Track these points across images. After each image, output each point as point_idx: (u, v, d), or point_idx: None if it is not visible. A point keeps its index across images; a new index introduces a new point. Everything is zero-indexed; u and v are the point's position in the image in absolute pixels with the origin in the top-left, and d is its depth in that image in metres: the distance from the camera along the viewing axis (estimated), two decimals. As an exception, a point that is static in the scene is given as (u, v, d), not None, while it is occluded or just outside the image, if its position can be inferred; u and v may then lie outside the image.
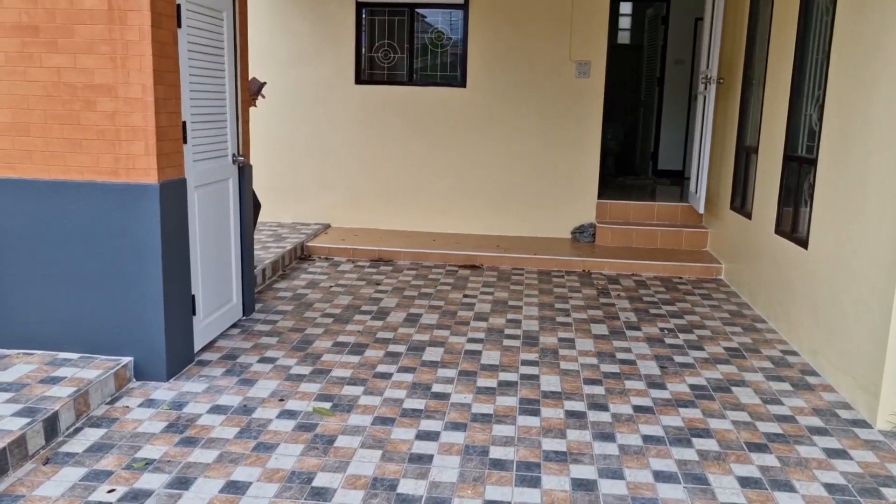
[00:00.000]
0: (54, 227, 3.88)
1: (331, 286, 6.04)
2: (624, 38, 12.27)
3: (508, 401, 3.90)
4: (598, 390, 4.07)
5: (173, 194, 3.95)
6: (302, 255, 7.04)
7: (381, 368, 4.29)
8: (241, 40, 4.83)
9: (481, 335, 4.94)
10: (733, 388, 4.12)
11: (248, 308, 5.14)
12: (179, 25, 3.97)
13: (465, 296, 5.89)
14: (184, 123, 4.07)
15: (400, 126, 7.83)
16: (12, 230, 3.91)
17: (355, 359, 4.43)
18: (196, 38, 4.20)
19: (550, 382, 4.16)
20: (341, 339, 4.78)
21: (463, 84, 7.71)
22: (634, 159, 11.69)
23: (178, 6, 3.95)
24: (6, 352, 3.99)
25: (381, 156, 7.89)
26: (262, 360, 4.34)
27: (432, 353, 4.56)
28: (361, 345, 4.67)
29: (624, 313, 5.53)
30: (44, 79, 3.77)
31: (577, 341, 4.87)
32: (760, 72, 5.89)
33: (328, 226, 7.99)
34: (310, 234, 7.37)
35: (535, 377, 4.23)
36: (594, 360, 4.53)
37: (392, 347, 4.64)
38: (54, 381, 3.62)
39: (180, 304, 4.10)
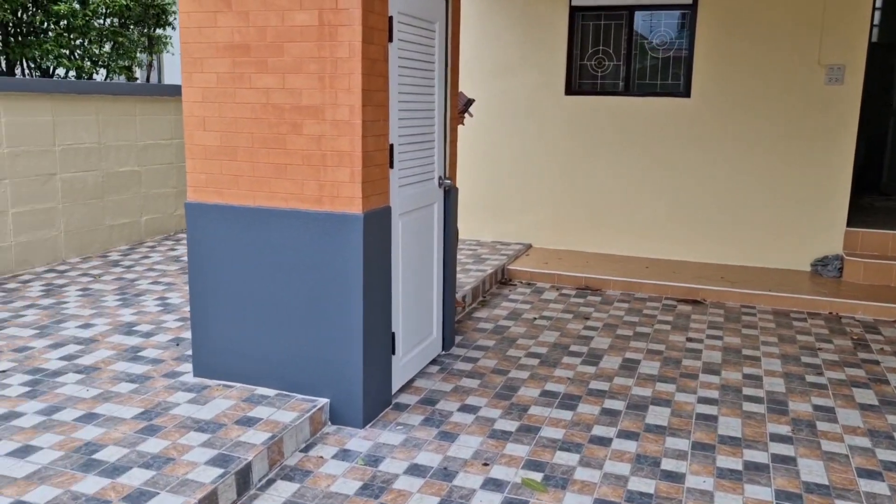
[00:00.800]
0: (257, 256, 3.68)
1: (535, 318, 5.52)
2: (873, 34, 10.66)
3: (760, 492, 3.15)
4: (880, 488, 3.20)
5: (377, 224, 3.61)
6: (502, 279, 6.59)
7: (598, 430, 3.69)
8: (452, 53, 4.44)
9: (714, 394, 4.18)
10: None
11: (447, 342, 4.75)
12: (391, 40, 3.63)
13: (689, 339, 5.12)
14: (391, 146, 3.73)
15: (612, 140, 7.16)
16: (218, 257, 3.76)
17: (567, 415, 3.86)
18: (407, 53, 3.85)
19: (812, 469, 3.34)
20: (549, 386, 4.23)
21: (686, 93, 6.88)
22: (881, 176, 10.10)
23: (391, 19, 3.60)
24: (208, 382, 3.86)
25: (591, 172, 7.26)
26: (464, 409, 3.90)
27: (657, 415, 3.88)
28: (573, 396, 4.10)
29: (894, 375, 4.50)
30: (252, 100, 3.57)
31: (837, 411, 3.97)
32: None
33: (529, 246, 7.49)
34: (511, 256, 6.91)
35: (792, 460, 3.43)
36: (866, 442, 3.63)
37: (608, 403, 4.03)
38: (250, 422, 3.40)
39: (380, 343, 3.76)
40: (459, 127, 7.20)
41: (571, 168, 7.31)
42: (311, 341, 3.66)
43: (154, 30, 8.69)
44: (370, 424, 3.70)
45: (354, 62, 3.36)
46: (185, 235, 7.63)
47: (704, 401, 4.08)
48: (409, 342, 4.18)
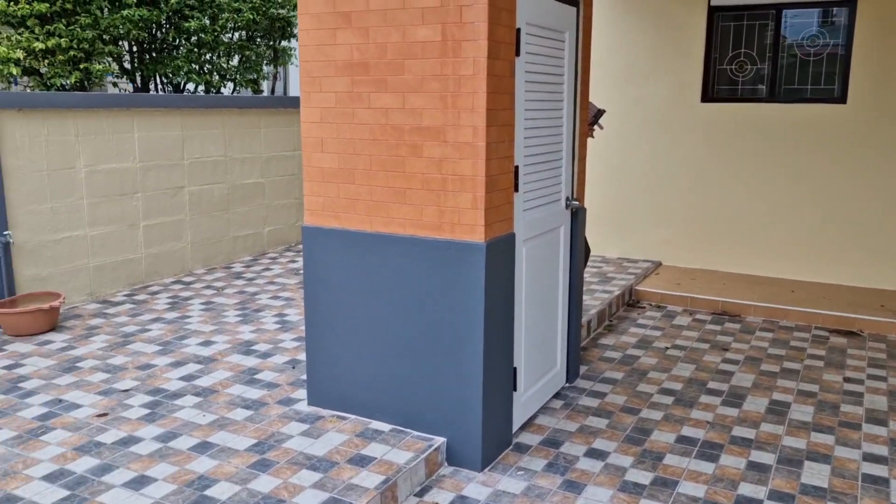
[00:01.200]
0: (374, 283, 3.51)
1: (667, 347, 5.09)
2: None
3: (951, 583, 2.65)
4: None
5: (501, 253, 3.35)
6: (630, 301, 6.18)
7: (746, 489, 3.27)
8: (582, 64, 4.12)
9: (881, 449, 3.65)
10: None
11: (572, 373, 4.42)
12: (518, 54, 3.35)
13: (847, 379, 4.55)
14: (516, 168, 3.46)
15: (753, 150, 6.57)
16: (334, 283, 3.62)
17: (708, 468, 3.45)
18: (534, 67, 3.56)
19: None
20: (687, 431, 3.83)
21: (842, 99, 6.21)
22: None
23: (518, 31, 3.33)
24: (321, 412, 3.72)
25: (728, 185, 6.70)
26: (591, 454, 3.57)
27: (814, 473, 3.41)
28: (713, 445, 3.68)
29: None
30: (371, 121, 3.39)
31: None
32: None
33: (659, 264, 7.01)
34: (639, 276, 6.47)
35: None
36: None
37: (756, 455, 3.58)
38: (363, 462, 3.22)
39: (501, 379, 3.49)
40: (588, 140, 6.84)
41: (707, 180, 6.78)
42: (428, 375, 3.45)
43: (279, 42, 8.83)
44: (489, 467, 3.44)
45: (479, 80, 3.11)
46: (305, 246, 7.66)
47: (871, 458, 3.56)
48: (531, 376, 3.89)
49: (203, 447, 3.35)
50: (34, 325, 4.86)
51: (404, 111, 3.30)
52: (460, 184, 3.22)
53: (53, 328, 4.99)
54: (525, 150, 3.55)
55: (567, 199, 4.13)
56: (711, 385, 4.44)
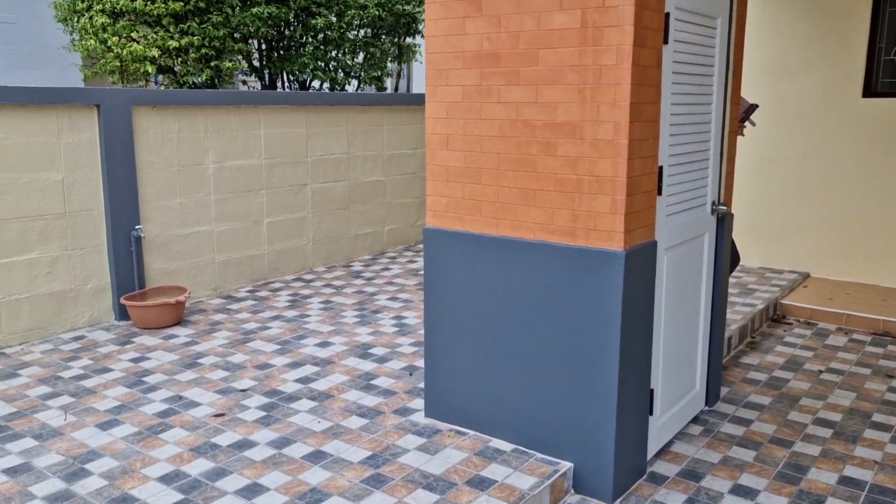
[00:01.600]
0: (498, 290, 3.25)
1: (820, 371, 4.55)
2: None
3: None
4: None
5: (640, 262, 3.01)
6: (775, 315, 5.63)
7: (928, 548, 2.78)
8: (735, 53, 3.70)
9: None
10: None
11: (712, 396, 4.00)
12: (665, 41, 3.00)
13: None
14: (660, 169, 3.11)
15: (924, 151, 5.84)
16: (456, 289, 3.39)
17: (879, 518, 2.99)
18: (682, 56, 3.20)
19: None
20: (850, 471, 3.34)
21: None
22: None
23: (667, 16, 2.98)
24: (439, 425, 3.51)
25: (891, 189, 5.99)
26: (737, 491, 3.17)
27: None
28: (885, 490, 3.18)
29: None
30: (500, 116, 3.14)
31: None
32: None
33: (807, 275, 6.38)
34: (784, 288, 5.89)
35: None
36: None
37: (938, 506, 3.07)
38: (482, 484, 2.97)
39: (636, 401, 3.16)
40: (738, 139, 6.32)
41: (866, 183, 6.09)
42: (555, 393, 3.16)
43: (404, 39, 8.75)
44: (620, 499, 3.12)
45: (622, 70, 2.79)
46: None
47: None
48: (668, 398, 3.52)
49: (317, 457, 3.21)
50: (161, 318, 4.94)
51: (537, 105, 3.03)
52: (598, 185, 2.92)
53: (179, 322, 5.06)
54: (670, 148, 3.19)
55: (713, 203, 3.73)
56: (877, 418, 3.90)
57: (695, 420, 3.87)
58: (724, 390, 4.24)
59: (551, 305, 3.10)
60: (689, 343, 3.68)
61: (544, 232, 3.09)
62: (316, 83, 8.44)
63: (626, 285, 2.93)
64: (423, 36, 8.97)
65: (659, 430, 3.46)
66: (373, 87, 8.62)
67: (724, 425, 3.81)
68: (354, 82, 8.59)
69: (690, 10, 3.18)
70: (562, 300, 3.07)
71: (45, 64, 9.78)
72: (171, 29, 6.74)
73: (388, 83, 9.88)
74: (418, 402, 3.77)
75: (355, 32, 8.32)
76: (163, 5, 6.66)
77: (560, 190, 3.02)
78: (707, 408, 4.01)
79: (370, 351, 4.53)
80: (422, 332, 4.87)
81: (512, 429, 3.32)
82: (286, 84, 8.24)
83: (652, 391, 3.32)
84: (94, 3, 6.86)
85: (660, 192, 3.13)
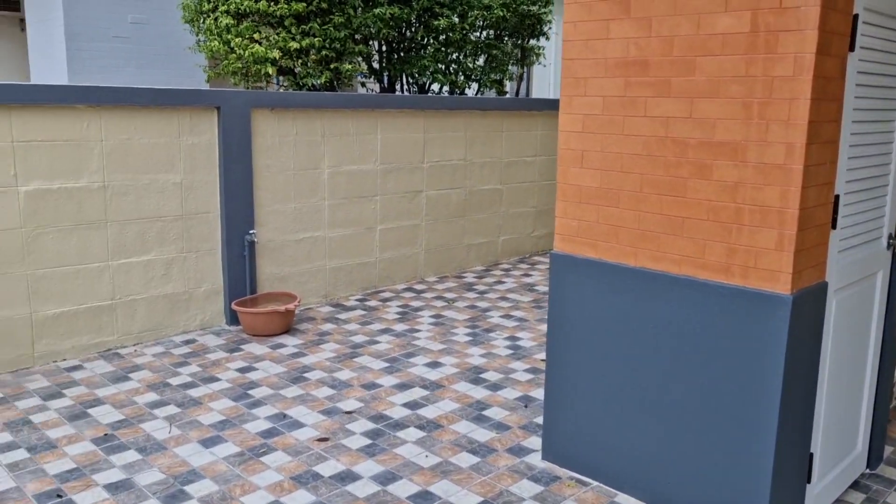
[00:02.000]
0: (633, 328, 2.88)
1: None
2: None
3: None
4: None
5: (809, 308, 2.57)
6: (942, 360, 4.92)
7: None
8: (925, 62, 3.15)
9: None
10: None
11: (874, 457, 3.46)
12: (852, 48, 2.54)
13: None
14: (836, 199, 2.65)
15: None
16: (584, 322, 3.04)
17: None
18: (868, 66, 2.71)
19: None
20: None
21: None
22: None
23: (855, 18, 2.52)
24: (557, 471, 3.18)
25: None
26: (914, 584, 2.67)
27: None
28: None
29: None
30: (646, 132, 2.77)
31: None
32: None
33: (979, 313, 5.58)
34: (953, 328, 5.15)
35: None
36: None
37: None
38: (608, 551, 2.62)
39: (793, 466, 2.71)
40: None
41: None
42: (699, 450, 2.76)
43: (527, 41, 8.42)
44: (770, 580, 2.68)
45: (801, 83, 2.36)
46: (540, 258, 7.18)
47: None
48: (827, 462, 3.04)
49: (424, 498, 2.94)
50: (270, 325, 4.84)
51: (691, 121, 2.63)
52: (761, 217, 2.50)
53: (288, 330, 4.94)
54: (847, 173, 2.72)
55: (890, 236, 3.20)
56: None
57: (854, 485, 3.34)
58: (887, 450, 3.68)
59: (698, 350, 2.70)
60: (853, 399, 3.17)
61: (692, 266, 2.69)
62: (435, 86, 8.23)
63: (792, 334, 2.49)
64: (547, 38, 8.59)
65: (815, 497, 2.98)
66: (493, 90, 8.32)
67: (890, 495, 3.27)
68: (475, 86, 8.33)
69: (882, 11, 2.70)
70: (712, 346, 2.66)
71: (173, 64, 10.08)
72: (293, 30, 6.69)
73: (509, 87, 9.57)
74: (534, 441, 3.45)
75: (478, 34, 8.05)
76: (286, 6, 6.61)
77: (714, 219, 2.62)
78: (868, 471, 3.47)
79: (482, 376, 4.24)
80: (537, 356, 4.54)
81: (642, 485, 2.94)
82: (405, 87, 8.07)
83: (811, 455, 2.85)
84: (220, 3, 6.91)
85: (834, 226, 2.67)
